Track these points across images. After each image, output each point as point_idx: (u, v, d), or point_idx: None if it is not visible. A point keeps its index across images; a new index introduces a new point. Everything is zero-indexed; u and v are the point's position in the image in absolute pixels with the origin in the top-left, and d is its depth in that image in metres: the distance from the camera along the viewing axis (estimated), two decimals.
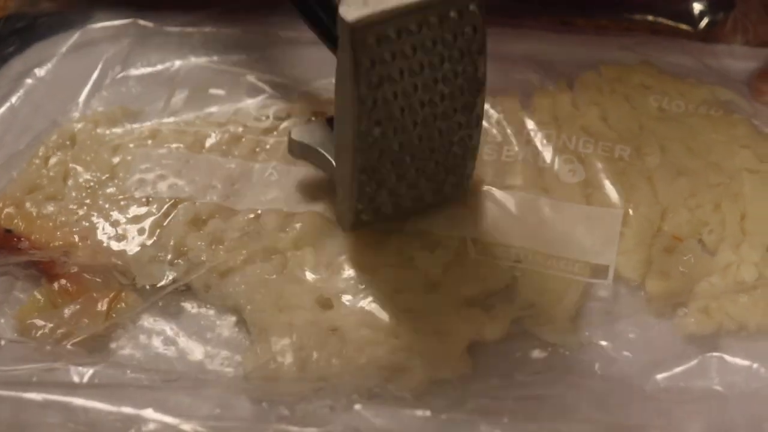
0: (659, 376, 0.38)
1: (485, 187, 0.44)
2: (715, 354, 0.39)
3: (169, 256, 0.43)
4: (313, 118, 0.47)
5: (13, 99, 0.51)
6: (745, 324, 0.40)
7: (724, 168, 0.45)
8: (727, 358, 0.39)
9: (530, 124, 0.47)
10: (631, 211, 0.43)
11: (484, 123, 0.46)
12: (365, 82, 0.35)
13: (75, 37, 0.54)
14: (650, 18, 0.55)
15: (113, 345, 0.41)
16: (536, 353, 0.39)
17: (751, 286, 0.41)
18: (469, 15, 0.35)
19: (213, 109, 0.49)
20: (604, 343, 0.40)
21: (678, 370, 0.39)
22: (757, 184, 0.44)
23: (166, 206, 0.44)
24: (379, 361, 0.39)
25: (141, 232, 0.44)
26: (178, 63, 0.52)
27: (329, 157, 0.41)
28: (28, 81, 0.52)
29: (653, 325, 0.40)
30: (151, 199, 0.45)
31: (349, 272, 0.41)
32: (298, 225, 0.43)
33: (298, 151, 0.43)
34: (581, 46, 0.52)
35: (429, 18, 0.35)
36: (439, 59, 0.36)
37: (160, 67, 0.52)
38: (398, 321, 0.40)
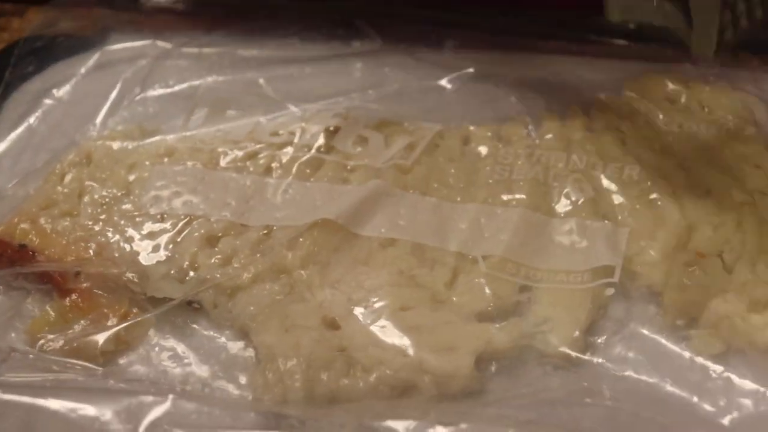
0: (668, 394, 0.38)
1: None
2: (723, 374, 0.38)
3: (181, 273, 0.42)
4: None
5: (31, 119, 0.52)
6: (755, 343, 0.39)
7: (747, 185, 0.45)
8: (735, 379, 0.38)
9: (539, 147, 0.47)
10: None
11: (496, 145, 0.47)
12: None
13: (94, 57, 0.55)
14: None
15: (123, 361, 0.40)
16: (546, 369, 0.39)
17: (765, 305, 0.40)
18: None
19: (230, 127, 0.49)
20: (613, 360, 0.39)
21: (685, 391, 0.38)
22: None
23: (180, 223, 0.44)
24: (388, 380, 0.38)
25: (155, 248, 0.43)
26: (195, 83, 0.53)
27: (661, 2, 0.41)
28: (47, 101, 0.52)
29: (664, 343, 0.40)
30: (165, 215, 0.45)
31: (355, 291, 0.41)
32: (306, 243, 0.43)
33: (621, 10, 0.43)
34: (599, 69, 0.52)
35: None
36: None
37: (177, 87, 0.53)
38: (406, 339, 0.39)
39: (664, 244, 0.42)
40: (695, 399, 0.37)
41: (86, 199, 0.46)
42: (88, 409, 0.37)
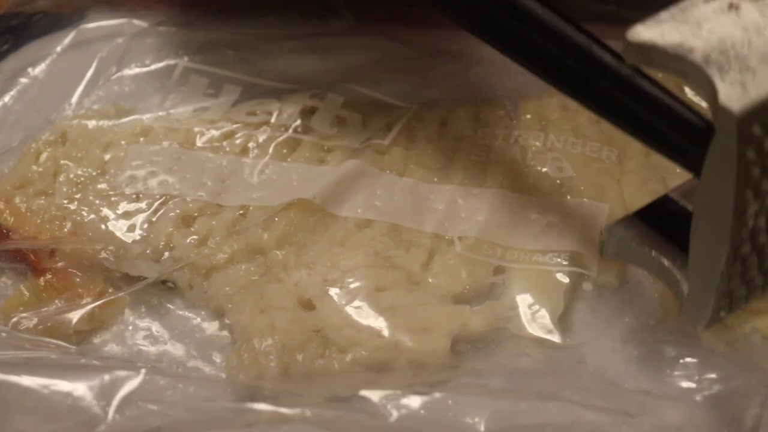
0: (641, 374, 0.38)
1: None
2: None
3: (157, 253, 0.42)
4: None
5: (6, 97, 0.51)
6: None
7: None
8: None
9: (517, 127, 0.47)
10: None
11: (474, 126, 0.47)
12: (746, 177, 0.30)
13: (70, 36, 0.54)
14: None
15: (97, 340, 0.41)
16: (521, 348, 0.39)
17: None
18: None
19: (206, 106, 0.49)
20: (589, 343, 0.39)
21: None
22: None
23: (156, 203, 0.44)
24: (364, 361, 0.38)
25: (130, 228, 0.43)
26: (172, 62, 0.52)
27: (658, 255, 0.37)
28: (22, 80, 0.52)
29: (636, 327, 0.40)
30: (141, 195, 0.45)
31: (330, 273, 0.41)
32: (282, 223, 0.43)
33: (615, 251, 0.39)
34: None
35: None
36: None
37: (154, 66, 0.52)
38: (381, 320, 0.39)
39: None
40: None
41: (61, 178, 0.45)
42: (62, 385, 0.37)
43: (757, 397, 0.36)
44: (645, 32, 0.30)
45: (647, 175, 0.44)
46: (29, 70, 0.52)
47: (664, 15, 0.31)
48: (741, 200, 0.31)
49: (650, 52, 0.30)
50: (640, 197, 0.42)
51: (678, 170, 0.36)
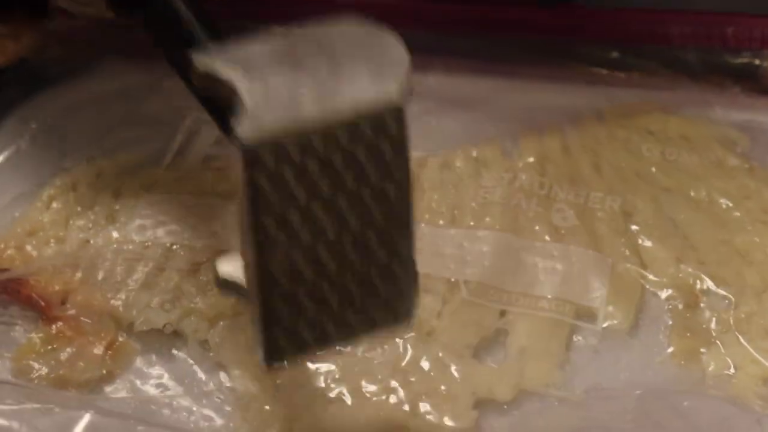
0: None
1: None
2: None
3: (165, 302, 0.43)
4: None
5: (20, 143, 0.52)
6: None
7: (727, 221, 0.45)
8: None
9: (519, 170, 0.48)
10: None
11: (477, 169, 0.47)
12: (264, 205, 0.30)
13: (84, 83, 0.55)
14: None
15: (108, 389, 0.41)
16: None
17: None
18: (387, 131, 0.30)
19: (217, 155, 0.50)
20: (593, 389, 0.40)
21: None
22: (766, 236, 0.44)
23: (164, 251, 0.45)
24: (378, 420, 0.38)
25: (139, 277, 0.44)
26: (185, 112, 0.53)
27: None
28: (35, 125, 0.52)
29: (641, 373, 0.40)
30: (149, 244, 0.45)
31: None
32: None
33: (224, 287, 0.36)
34: (580, 95, 0.53)
35: (337, 133, 0.30)
36: (353, 179, 0.30)
37: (166, 115, 0.53)
38: (396, 380, 0.39)
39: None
40: None
41: (72, 226, 0.46)
42: None
43: None
44: (206, 60, 0.31)
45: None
46: (42, 116, 0.53)
47: (233, 47, 0.31)
48: (262, 228, 0.30)
49: (210, 78, 0.31)
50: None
51: None
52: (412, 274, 0.33)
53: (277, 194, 0.30)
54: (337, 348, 0.35)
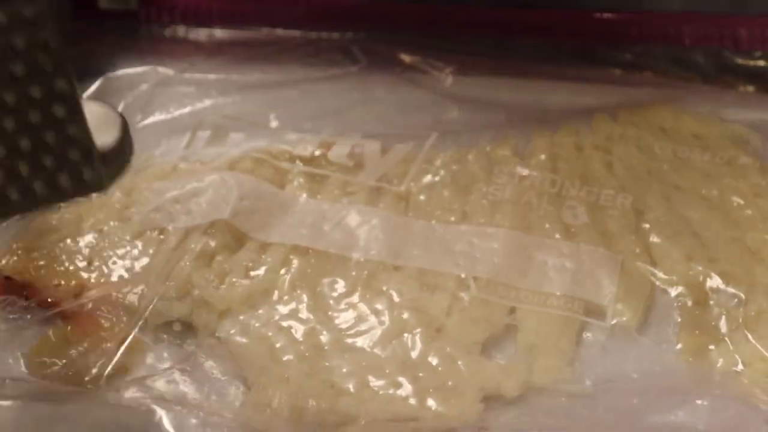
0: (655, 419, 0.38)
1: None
2: None
3: (177, 294, 0.43)
4: None
5: None
6: None
7: (738, 219, 0.45)
8: None
9: (524, 166, 0.48)
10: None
11: (488, 167, 0.47)
12: None
13: (96, 84, 0.55)
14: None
15: (120, 383, 0.41)
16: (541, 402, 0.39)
17: None
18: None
19: (230, 149, 0.50)
20: (602, 384, 0.40)
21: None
22: None
23: (177, 242, 0.45)
24: (385, 413, 0.38)
25: (152, 269, 0.44)
26: (197, 108, 0.53)
27: None
28: None
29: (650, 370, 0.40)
30: (162, 237, 0.45)
31: (347, 317, 0.42)
32: (295, 263, 0.43)
33: None
34: (593, 95, 0.53)
35: None
36: None
37: (178, 113, 0.53)
38: (405, 375, 0.39)
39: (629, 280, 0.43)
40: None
41: (84, 224, 0.46)
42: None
43: None
44: None
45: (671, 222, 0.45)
46: None
47: None
48: None
49: None
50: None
51: None
52: (87, 144, 0.34)
53: None
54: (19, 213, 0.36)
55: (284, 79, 0.55)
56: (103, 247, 0.45)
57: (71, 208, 0.47)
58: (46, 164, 0.34)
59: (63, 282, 0.44)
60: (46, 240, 0.46)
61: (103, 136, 0.35)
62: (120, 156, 0.36)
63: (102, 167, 0.35)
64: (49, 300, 0.43)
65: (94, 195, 0.35)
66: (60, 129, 0.34)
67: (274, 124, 0.52)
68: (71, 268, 0.44)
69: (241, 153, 0.49)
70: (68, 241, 0.46)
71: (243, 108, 0.53)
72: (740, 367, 0.40)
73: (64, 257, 0.45)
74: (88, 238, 0.46)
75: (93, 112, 0.35)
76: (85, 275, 0.44)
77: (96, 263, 0.45)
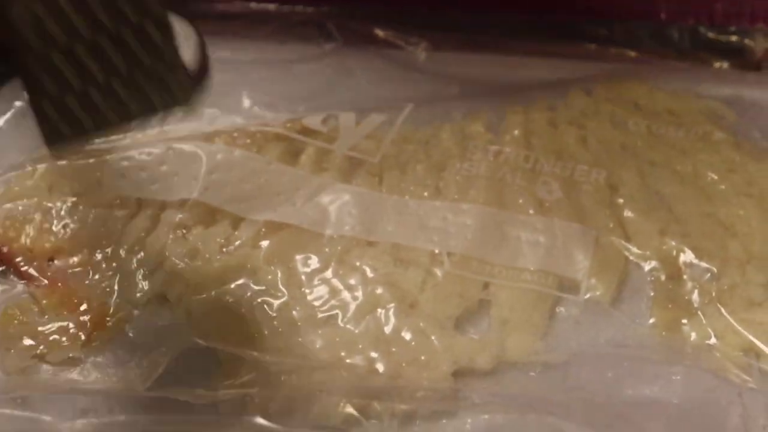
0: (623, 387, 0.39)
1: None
2: None
3: (151, 266, 0.43)
4: None
5: (1, 121, 0.52)
6: None
7: (712, 194, 0.45)
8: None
9: (504, 143, 0.48)
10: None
11: (462, 143, 0.47)
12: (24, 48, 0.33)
13: None
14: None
15: (99, 358, 0.41)
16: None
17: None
18: None
19: (205, 125, 0.49)
20: (573, 357, 0.40)
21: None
22: (750, 209, 0.45)
23: (153, 211, 0.44)
24: (360, 389, 0.38)
25: (126, 239, 0.44)
26: None
27: None
28: (18, 103, 0.52)
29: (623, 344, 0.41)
30: (139, 204, 0.45)
31: (320, 293, 0.41)
32: (268, 238, 0.43)
33: None
34: (567, 70, 0.53)
35: None
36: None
37: None
38: (378, 350, 0.40)
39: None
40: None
41: (56, 192, 0.46)
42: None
43: (736, 408, 0.38)
44: None
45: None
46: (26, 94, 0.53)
47: None
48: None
49: None
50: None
51: None
52: (180, 66, 0.36)
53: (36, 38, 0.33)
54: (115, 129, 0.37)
55: (260, 58, 0.54)
56: (75, 214, 0.45)
57: (43, 175, 0.47)
58: (139, 81, 0.35)
59: (39, 247, 0.43)
60: (18, 205, 0.45)
61: (186, 53, 0.36)
62: (201, 70, 0.37)
63: (189, 81, 0.36)
64: (26, 265, 0.43)
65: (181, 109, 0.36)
66: (152, 47, 0.35)
67: (246, 102, 0.51)
68: (44, 232, 0.44)
69: (215, 128, 0.49)
70: (41, 208, 0.45)
71: (215, 86, 0.53)
72: (713, 340, 0.40)
73: (39, 223, 0.44)
74: (60, 206, 0.45)
75: (175, 29, 0.36)
76: (59, 241, 0.44)
77: (69, 229, 0.44)
